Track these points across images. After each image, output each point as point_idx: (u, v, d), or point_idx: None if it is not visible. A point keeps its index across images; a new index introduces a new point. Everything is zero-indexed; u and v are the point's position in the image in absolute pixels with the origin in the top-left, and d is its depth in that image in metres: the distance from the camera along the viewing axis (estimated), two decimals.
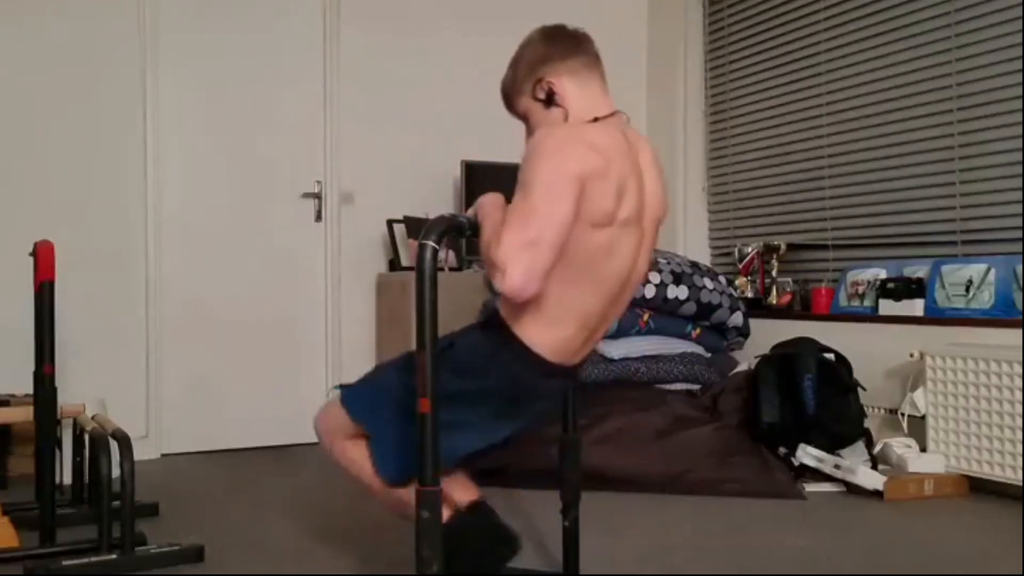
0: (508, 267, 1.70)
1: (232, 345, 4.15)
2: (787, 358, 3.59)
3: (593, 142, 1.79)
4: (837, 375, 3.53)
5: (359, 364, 4.34)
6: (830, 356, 3.58)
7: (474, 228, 1.84)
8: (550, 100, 1.91)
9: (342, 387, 2.11)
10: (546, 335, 1.86)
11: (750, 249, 4.39)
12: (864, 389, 3.54)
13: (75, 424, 3.02)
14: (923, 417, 3.39)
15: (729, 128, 4.72)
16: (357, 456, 2.05)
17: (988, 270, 3.37)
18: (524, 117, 1.97)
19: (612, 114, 1.91)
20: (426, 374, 1.65)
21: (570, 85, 1.91)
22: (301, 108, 4.31)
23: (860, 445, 3.45)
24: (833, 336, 3.71)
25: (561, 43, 1.95)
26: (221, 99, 4.15)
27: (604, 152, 1.79)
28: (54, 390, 2.63)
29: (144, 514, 2.84)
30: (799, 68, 4.31)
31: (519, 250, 1.70)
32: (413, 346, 1.72)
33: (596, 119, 1.87)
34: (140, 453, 2.84)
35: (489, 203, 1.86)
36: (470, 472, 2.11)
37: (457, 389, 1.82)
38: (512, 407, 1.94)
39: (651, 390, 3.73)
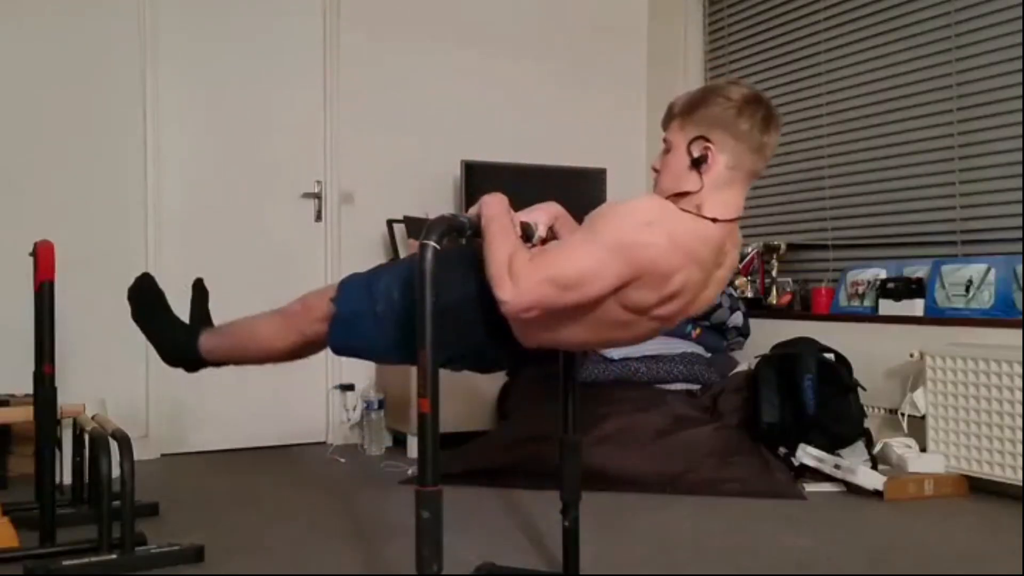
0: (522, 286, 1.68)
1: None
2: (787, 358, 3.59)
3: (679, 240, 1.72)
4: (837, 375, 3.53)
5: (359, 364, 4.35)
6: (830, 356, 3.58)
7: (475, 228, 1.84)
8: (696, 163, 1.79)
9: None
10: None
11: (750, 249, 4.39)
12: (864, 389, 3.54)
13: (75, 424, 3.02)
14: (923, 417, 3.39)
15: None
16: (271, 334, 2.19)
17: (988, 270, 3.37)
18: (666, 145, 1.86)
19: (732, 219, 1.83)
20: (426, 374, 1.65)
21: (723, 169, 1.79)
22: (301, 108, 4.31)
23: (860, 445, 3.45)
24: (833, 336, 3.71)
25: (751, 123, 1.79)
26: (221, 99, 4.14)
27: (683, 256, 1.73)
28: (54, 390, 2.63)
29: (144, 514, 2.84)
30: (799, 68, 4.31)
31: (543, 282, 1.69)
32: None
33: (715, 219, 1.78)
34: (140, 453, 2.84)
35: (495, 205, 1.85)
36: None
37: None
38: (448, 347, 1.86)
39: (651, 390, 3.73)
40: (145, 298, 2.43)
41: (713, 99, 1.81)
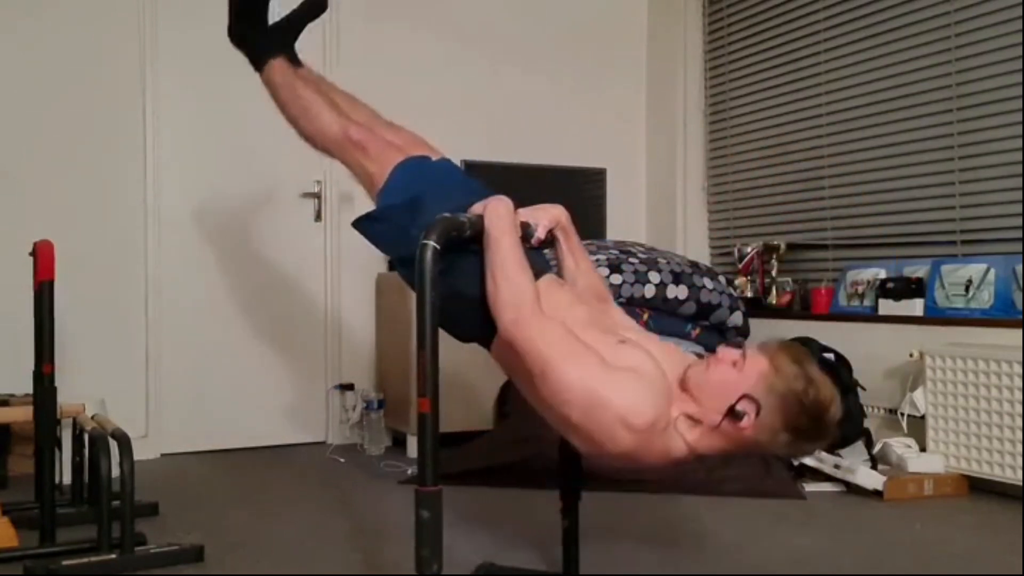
0: (527, 334, 1.73)
1: (232, 345, 4.15)
2: None
3: (658, 451, 1.73)
4: (837, 375, 3.52)
5: (359, 364, 4.36)
6: (830, 356, 3.58)
7: (475, 228, 1.84)
8: (731, 413, 1.69)
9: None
10: None
11: (750, 249, 4.38)
12: (864, 389, 3.54)
13: (75, 424, 3.02)
14: (923, 417, 3.39)
15: (729, 128, 4.72)
16: (321, 128, 2.32)
17: (988, 270, 3.37)
18: (742, 360, 1.73)
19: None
20: (426, 374, 1.65)
21: (742, 432, 1.71)
22: None
23: (860, 445, 3.45)
24: (833, 336, 3.71)
25: (800, 442, 1.73)
26: (221, 99, 4.14)
27: (655, 458, 1.74)
28: (54, 390, 2.63)
29: (144, 514, 2.83)
30: (799, 68, 4.31)
31: (545, 344, 1.72)
32: (413, 347, 1.72)
33: (692, 449, 1.76)
34: (140, 453, 2.84)
35: (505, 218, 1.85)
36: None
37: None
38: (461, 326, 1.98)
39: None
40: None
41: (802, 393, 1.67)
